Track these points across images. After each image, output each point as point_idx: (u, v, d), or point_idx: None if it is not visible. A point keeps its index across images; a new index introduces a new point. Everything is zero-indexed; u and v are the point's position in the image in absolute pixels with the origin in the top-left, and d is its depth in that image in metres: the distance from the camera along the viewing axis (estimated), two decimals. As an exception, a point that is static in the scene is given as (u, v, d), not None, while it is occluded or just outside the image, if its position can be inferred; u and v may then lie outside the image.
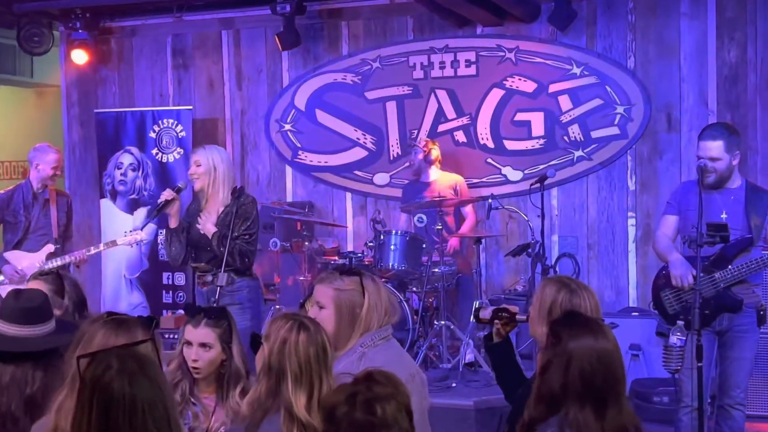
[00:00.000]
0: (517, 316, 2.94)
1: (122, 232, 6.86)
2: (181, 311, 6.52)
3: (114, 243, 5.34)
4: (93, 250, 5.41)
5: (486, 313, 2.99)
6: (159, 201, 4.31)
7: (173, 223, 4.33)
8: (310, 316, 2.39)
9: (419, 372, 2.78)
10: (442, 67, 6.66)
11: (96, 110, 7.32)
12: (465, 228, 6.29)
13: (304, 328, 2.29)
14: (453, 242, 6.13)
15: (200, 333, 2.85)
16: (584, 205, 6.42)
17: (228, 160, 4.36)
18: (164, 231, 4.40)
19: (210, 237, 4.27)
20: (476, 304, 5.66)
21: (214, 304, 4.00)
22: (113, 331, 2.18)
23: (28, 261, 5.35)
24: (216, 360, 2.85)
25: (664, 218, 4.35)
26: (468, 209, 6.34)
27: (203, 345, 2.85)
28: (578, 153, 6.39)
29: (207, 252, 4.28)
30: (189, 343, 2.88)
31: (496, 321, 2.94)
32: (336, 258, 6.12)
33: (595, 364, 2.14)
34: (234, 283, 4.26)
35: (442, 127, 6.71)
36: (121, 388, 1.68)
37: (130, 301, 6.86)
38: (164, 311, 6.79)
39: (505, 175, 6.58)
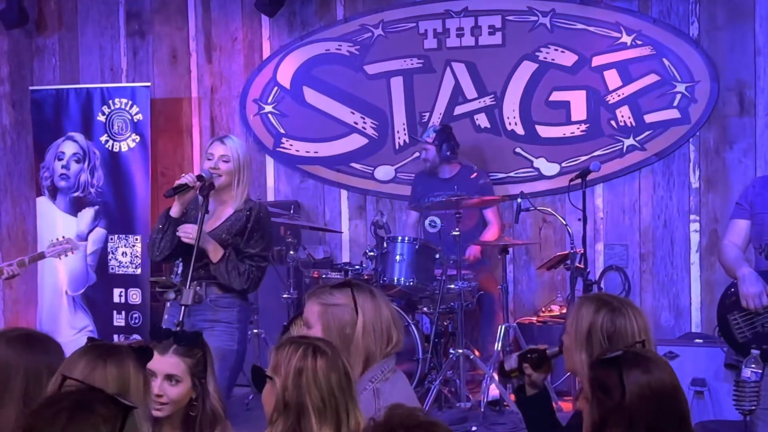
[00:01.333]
0: (548, 351, 2.93)
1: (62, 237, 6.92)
2: (136, 336, 6.52)
3: (42, 255, 5.31)
4: (16, 267, 5.35)
5: (511, 362, 2.98)
6: (178, 181, 4.31)
7: (176, 212, 4.34)
8: (324, 338, 2.42)
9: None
10: (459, 35, 6.68)
11: (31, 87, 7.33)
12: (488, 234, 6.30)
13: (320, 353, 2.33)
14: (473, 251, 6.15)
15: (167, 362, 2.85)
16: (636, 206, 6.42)
17: (251, 158, 4.47)
18: (162, 216, 4.37)
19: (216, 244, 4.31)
20: (501, 329, 5.71)
21: (176, 327, 4.00)
22: (101, 360, 2.15)
23: None
24: (183, 397, 2.85)
25: (733, 223, 4.36)
26: (491, 212, 6.36)
27: (169, 377, 2.86)
28: (629, 141, 6.40)
29: (198, 260, 4.29)
30: (152, 374, 2.85)
31: (525, 366, 2.93)
32: (328, 271, 6.12)
33: (655, 406, 2.17)
34: (217, 298, 4.28)
35: (460, 109, 6.72)
36: None
37: (73, 324, 6.86)
38: (115, 336, 6.77)
39: (537, 169, 6.59)
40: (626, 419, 2.16)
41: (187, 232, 4.24)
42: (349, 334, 2.73)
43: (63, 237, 5.74)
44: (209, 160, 4.35)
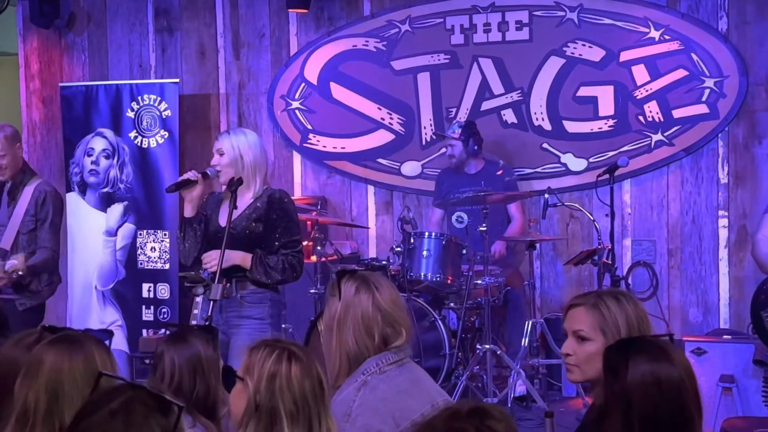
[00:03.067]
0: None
1: (94, 233, 7.00)
2: (165, 331, 6.56)
3: None
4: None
5: None
6: (180, 178, 4.38)
7: (189, 212, 4.39)
8: (299, 344, 2.43)
9: (448, 401, 2.75)
10: (487, 30, 6.70)
11: (61, 84, 7.37)
12: (511, 230, 6.32)
13: (295, 359, 2.31)
14: (498, 248, 6.17)
15: None
16: (664, 201, 6.43)
17: (258, 145, 4.41)
18: (179, 222, 4.44)
19: (242, 235, 4.33)
20: (528, 324, 5.73)
21: (205, 322, 4.05)
22: (66, 352, 2.25)
23: None
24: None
25: (766, 218, 4.35)
26: (515, 207, 6.37)
27: None
28: (657, 137, 6.41)
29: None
30: None
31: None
32: (355, 266, 6.11)
33: (656, 397, 2.13)
34: (248, 294, 4.30)
35: (486, 105, 6.74)
36: None
37: (103, 319, 6.89)
38: (144, 331, 6.83)
39: (565, 164, 6.61)
40: (624, 404, 2.13)
41: (208, 260, 4.24)
42: (331, 326, 2.70)
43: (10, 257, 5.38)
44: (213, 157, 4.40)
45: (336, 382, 2.69)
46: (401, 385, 2.66)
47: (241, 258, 4.27)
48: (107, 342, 2.39)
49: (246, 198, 4.38)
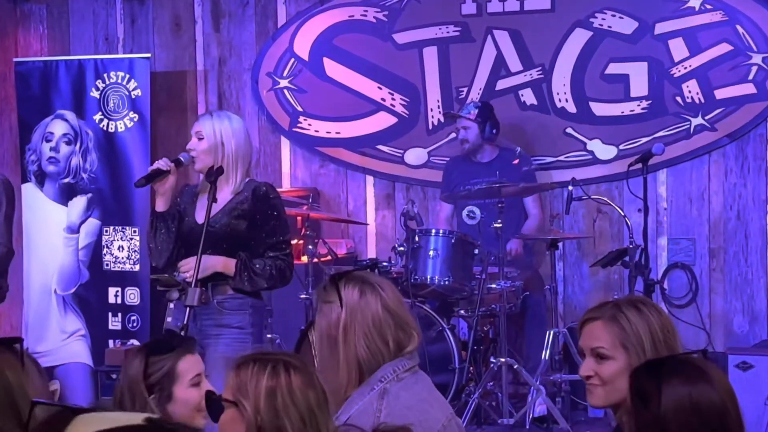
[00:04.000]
0: None
1: (53, 230, 6.92)
2: (134, 342, 6.58)
3: None
4: None
5: None
6: (150, 168, 4.39)
7: (161, 206, 4.37)
8: (290, 353, 2.39)
9: (455, 417, 2.83)
10: (502, -1, 6.71)
11: (15, 59, 7.33)
12: (531, 226, 6.33)
13: (294, 369, 2.31)
14: (514, 246, 6.16)
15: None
16: (705, 194, 6.40)
17: (243, 133, 4.42)
18: (150, 218, 4.43)
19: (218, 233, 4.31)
20: (549, 335, 5.67)
21: (181, 331, 4.05)
22: None
23: None
24: None
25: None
26: (532, 200, 6.38)
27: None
28: (697, 120, 6.37)
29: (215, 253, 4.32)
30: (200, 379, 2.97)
31: None
32: (352, 268, 6.06)
33: (695, 425, 2.11)
34: (226, 300, 4.28)
35: (502, 84, 6.70)
36: None
37: (63, 328, 6.86)
38: (110, 341, 6.80)
39: (591, 152, 6.57)
40: None
41: (186, 269, 4.23)
42: (334, 336, 2.73)
43: None
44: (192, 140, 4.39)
45: (345, 393, 2.73)
46: (421, 394, 2.74)
47: (222, 264, 4.27)
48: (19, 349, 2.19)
49: (225, 192, 4.37)
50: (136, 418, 1.45)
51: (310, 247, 6.13)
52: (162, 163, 4.32)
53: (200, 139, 4.33)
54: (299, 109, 7.07)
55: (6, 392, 2.03)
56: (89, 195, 6.90)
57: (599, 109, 6.53)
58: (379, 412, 2.66)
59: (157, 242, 4.38)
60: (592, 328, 2.63)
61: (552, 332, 5.75)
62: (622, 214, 5.96)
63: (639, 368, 2.25)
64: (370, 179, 7.01)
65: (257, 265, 4.25)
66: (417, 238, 5.82)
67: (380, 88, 6.90)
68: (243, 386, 2.28)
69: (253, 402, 2.26)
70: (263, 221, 4.30)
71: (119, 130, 6.91)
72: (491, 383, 5.66)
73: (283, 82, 7.09)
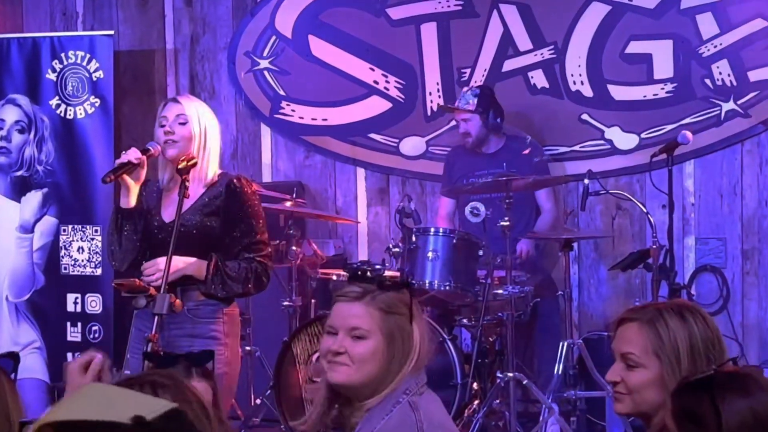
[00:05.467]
0: None
1: (4, 228, 6.95)
2: (97, 355, 6.49)
3: None
4: None
5: None
6: (118, 161, 4.30)
7: (129, 202, 4.32)
8: (161, 371, 2.38)
9: None
10: (510, -31, 6.71)
11: (-38, 37, 7.36)
12: (541, 224, 6.34)
13: (162, 388, 2.22)
14: (523, 247, 6.18)
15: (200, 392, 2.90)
16: (737, 188, 6.44)
17: (216, 122, 4.45)
18: (113, 215, 4.36)
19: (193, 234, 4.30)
20: (563, 346, 5.70)
21: (148, 342, 4.03)
22: None
23: None
24: None
25: None
26: (545, 195, 6.39)
27: None
28: (728, 105, 6.40)
29: (184, 254, 4.28)
30: None
31: None
32: (341, 272, 6.11)
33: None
34: (197, 307, 4.28)
35: (510, 65, 6.73)
36: None
37: (16, 339, 6.86)
38: (69, 354, 6.77)
39: (610, 141, 6.61)
40: None
41: (151, 272, 4.23)
42: (406, 346, 2.86)
43: None
44: (162, 126, 4.33)
45: (366, 405, 2.85)
46: (442, 409, 2.92)
47: (195, 267, 4.26)
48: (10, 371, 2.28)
49: (196, 186, 4.36)
50: (146, 404, 1.57)
51: (294, 248, 6.12)
52: (132, 156, 4.25)
53: (183, 123, 4.31)
54: (281, 93, 7.10)
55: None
56: (45, 190, 6.91)
57: (618, 92, 6.55)
58: (421, 423, 2.77)
59: (121, 242, 4.35)
60: (626, 330, 2.67)
61: (566, 343, 5.72)
62: (645, 210, 5.94)
63: (681, 389, 2.26)
64: (361, 172, 7.04)
65: (231, 268, 4.25)
66: (414, 238, 5.82)
67: (372, 70, 6.92)
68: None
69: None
70: (237, 218, 4.30)
71: (79, 116, 6.91)
72: (497, 401, 5.65)
73: (264, 63, 7.11)
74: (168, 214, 4.33)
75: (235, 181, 4.36)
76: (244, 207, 4.33)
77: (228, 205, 4.31)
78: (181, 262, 4.24)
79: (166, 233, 4.24)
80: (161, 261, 4.19)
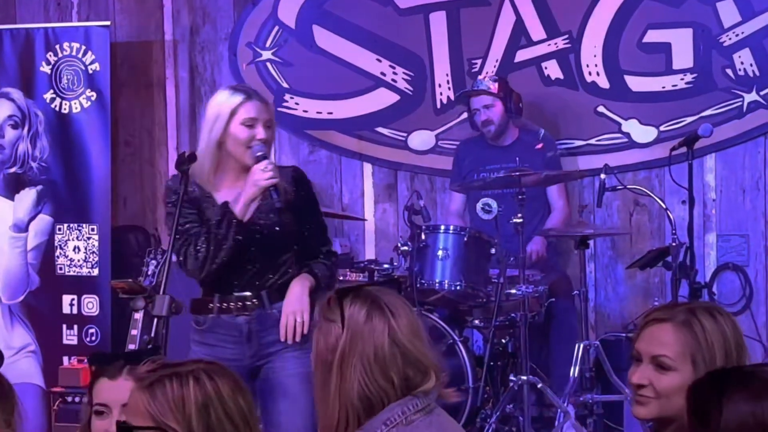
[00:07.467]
0: None
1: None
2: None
3: None
4: None
5: None
6: (264, 180, 4.18)
7: (244, 212, 4.21)
8: (199, 358, 2.37)
9: None
10: (522, -45, 6.72)
11: (-47, 29, 7.37)
12: (553, 221, 6.36)
13: (217, 375, 2.30)
14: (536, 246, 6.19)
15: (122, 390, 2.83)
16: (760, 183, 6.44)
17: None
18: (216, 222, 4.18)
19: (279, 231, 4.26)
20: (579, 348, 5.69)
21: (147, 345, 4.13)
22: None
23: None
24: None
25: None
26: (557, 190, 6.41)
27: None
28: (750, 97, 6.40)
29: (265, 256, 4.25)
30: (100, 411, 2.93)
31: None
32: (347, 272, 6.13)
33: None
34: (272, 308, 4.21)
35: (522, 55, 6.74)
36: None
37: (10, 343, 6.85)
38: (65, 358, 6.78)
39: (627, 134, 6.61)
40: None
41: (267, 172, 4.15)
42: (330, 362, 2.63)
43: None
44: (249, 127, 4.24)
45: None
46: None
47: (309, 284, 4.25)
48: None
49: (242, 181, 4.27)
50: None
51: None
52: (270, 173, 4.17)
53: (268, 127, 4.32)
54: (285, 85, 7.10)
55: None
56: (39, 187, 6.91)
57: (636, 83, 6.56)
58: None
59: (221, 250, 4.17)
60: (658, 331, 2.64)
61: (582, 345, 5.71)
62: (664, 206, 5.93)
63: (699, 381, 2.24)
64: (368, 167, 7.04)
65: (321, 272, 4.26)
66: (423, 236, 5.83)
67: (379, 61, 6.93)
68: (164, 408, 2.24)
69: (183, 423, 2.24)
70: (311, 211, 4.36)
71: (74, 110, 6.92)
72: (511, 405, 5.64)
73: (266, 54, 7.11)
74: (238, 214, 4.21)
75: (298, 171, 4.42)
76: (311, 197, 4.42)
77: (299, 198, 4.31)
78: (297, 290, 4.20)
79: (244, 235, 4.17)
80: (298, 304, 4.16)
